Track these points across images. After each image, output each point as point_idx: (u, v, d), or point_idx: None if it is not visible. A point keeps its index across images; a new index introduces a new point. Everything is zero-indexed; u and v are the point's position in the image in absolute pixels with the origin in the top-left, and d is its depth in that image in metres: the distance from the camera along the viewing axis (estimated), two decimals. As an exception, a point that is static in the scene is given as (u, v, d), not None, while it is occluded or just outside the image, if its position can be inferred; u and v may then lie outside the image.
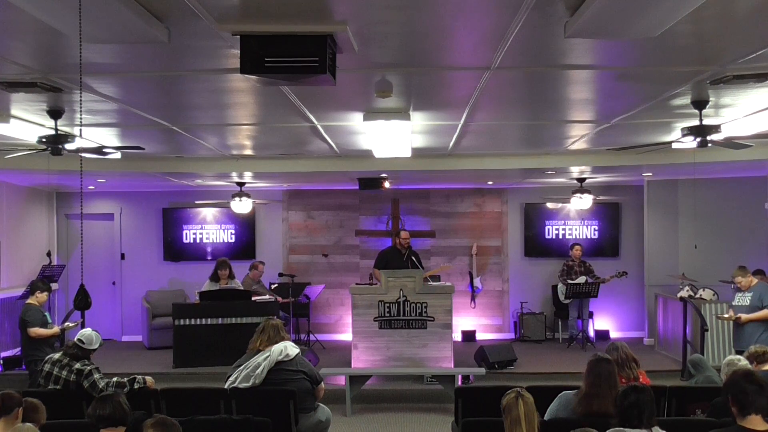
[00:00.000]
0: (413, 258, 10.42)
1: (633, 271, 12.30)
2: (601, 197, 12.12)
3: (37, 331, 8.06)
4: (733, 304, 8.39)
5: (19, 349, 10.63)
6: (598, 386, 4.50)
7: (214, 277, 10.72)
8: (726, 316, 8.46)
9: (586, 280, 11.53)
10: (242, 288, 10.76)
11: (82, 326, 6.88)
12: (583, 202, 11.35)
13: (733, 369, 4.71)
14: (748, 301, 8.06)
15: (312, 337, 11.74)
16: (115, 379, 5.81)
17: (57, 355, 5.93)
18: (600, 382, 4.51)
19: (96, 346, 6.00)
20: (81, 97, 5.43)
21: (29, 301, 8.32)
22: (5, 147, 7.45)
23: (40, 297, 8.30)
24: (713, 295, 9.90)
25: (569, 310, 11.71)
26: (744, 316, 8.02)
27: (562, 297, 11.82)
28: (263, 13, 3.68)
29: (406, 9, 3.71)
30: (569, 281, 11.59)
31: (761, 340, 7.64)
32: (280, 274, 11.74)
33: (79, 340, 5.91)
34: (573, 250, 11.90)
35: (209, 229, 12.97)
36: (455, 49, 4.56)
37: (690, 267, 10.88)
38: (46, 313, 8.36)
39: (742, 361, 5.21)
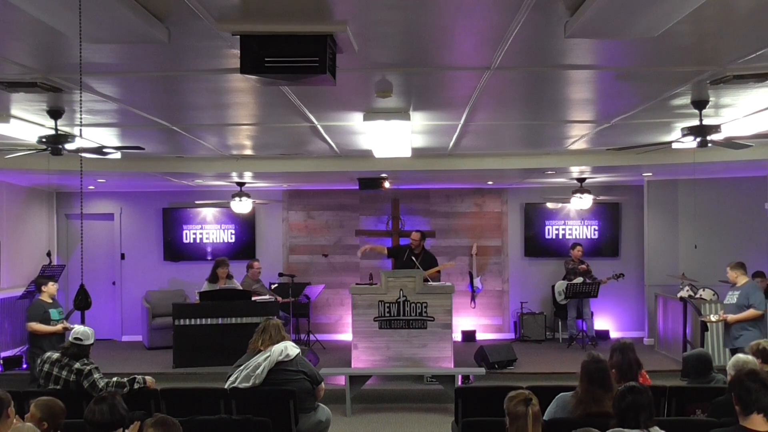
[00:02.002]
0: (413, 258, 10.44)
1: (633, 271, 12.30)
2: (601, 197, 12.12)
3: (32, 325, 8.19)
4: (725, 302, 8.40)
5: (19, 349, 10.68)
6: (593, 389, 4.49)
7: (213, 279, 10.71)
8: (713, 319, 8.43)
9: (584, 281, 11.53)
10: (241, 288, 10.77)
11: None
12: (583, 202, 11.34)
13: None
14: (735, 299, 8.04)
15: (312, 337, 11.73)
16: (115, 379, 5.80)
17: (56, 355, 5.93)
18: (594, 385, 4.50)
19: (92, 341, 6.01)
20: (81, 97, 5.42)
21: (40, 297, 8.44)
22: (5, 147, 7.45)
23: (49, 289, 8.44)
24: (713, 295, 9.91)
25: (568, 310, 11.71)
26: (731, 317, 7.99)
27: (560, 298, 11.81)
28: (263, 13, 3.68)
29: (406, 9, 3.71)
30: (563, 283, 11.60)
31: (747, 338, 7.60)
32: (280, 274, 11.74)
33: (76, 338, 5.91)
34: (574, 251, 11.89)
35: (209, 229, 12.97)
36: (455, 49, 4.57)
37: (690, 267, 10.89)
38: (52, 310, 8.38)
39: (752, 363, 5.17)
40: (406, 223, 12.63)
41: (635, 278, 12.35)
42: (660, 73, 5.12)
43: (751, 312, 7.87)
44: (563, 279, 11.85)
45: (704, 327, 9.30)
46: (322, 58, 3.82)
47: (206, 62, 4.72)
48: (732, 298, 8.13)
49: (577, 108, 6.52)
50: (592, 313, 11.92)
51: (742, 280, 8.15)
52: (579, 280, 11.56)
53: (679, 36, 4.10)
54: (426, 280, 9.64)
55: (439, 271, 10.70)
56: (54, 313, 8.40)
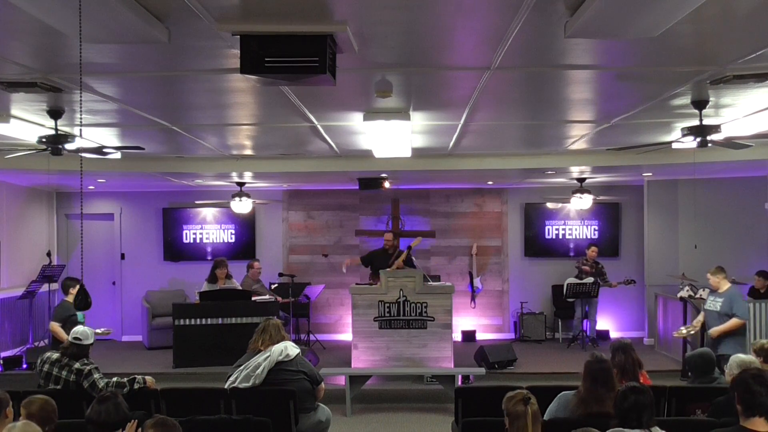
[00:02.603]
0: (412, 258, 10.41)
1: (633, 271, 12.28)
2: (601, 197, 12.12)
3: (54, 326, 8.19)
4: (705, 308, 8.27)
5: (19, 349, 10.69)
6: (595, 389, 4.49)
7: (212, 279, 10.72)
8: (684, 333, 8.30)
9: (595, 281, 11.46)
10: (240, 288, 10.77)
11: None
12: (583, 202, 11.34)
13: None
14: (719, 307, 7.88)
15: (312, 337, 11.74)
16: (115, 379, 5.80)
17: (56, 355, 5.93)
18: (597, 385, 4.50)
19: (92, 341, 6.02)
20: (81, 97, 5.43)
21: (66, 298, 8.43)
22: (5, 147, 7.45)
23: (75, 292, 8.39)
24: (713, 294, 9.88)
25: (575, 308, 11.66)
26: (713, 330, 7.84)
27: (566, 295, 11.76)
28: (263, 13, 3.68)
29: (406, 9, 3.71)
30: (572, 281, 11.57)
31: (728, 345, 7.56)
32: (280, 274, 11.74)
33: (75, 338, 5.91)
34: (589, 251, 11.83)
35: (209, 229, 12.97)
36: (455, 49, 4.56)
37: (690, 267, 10.87)
38: (79, 313, 8.38)
39: (755, 363, 5.15)
40: (406, 223, 12.62)
41: (635, 278, 12.33)
42: (660, 73, 5.12)
43: (733, 322, 7.73)
44: (575, 277, 11.82)
45: (704, 326, 9.27)
46: (322, 58, 3.82)
47: (206, 62, 4.72)
48: (715, 305, 7.97)
49: (577, 108, 6.52)
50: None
51: (724, 285, 7.98)
52: (590, 280, 11.50)
53: (679, 36, 4.10)
54: (426, 280, 9.63)
55: (409, 255, 10.46)
56: (80, 315, 8.41)
